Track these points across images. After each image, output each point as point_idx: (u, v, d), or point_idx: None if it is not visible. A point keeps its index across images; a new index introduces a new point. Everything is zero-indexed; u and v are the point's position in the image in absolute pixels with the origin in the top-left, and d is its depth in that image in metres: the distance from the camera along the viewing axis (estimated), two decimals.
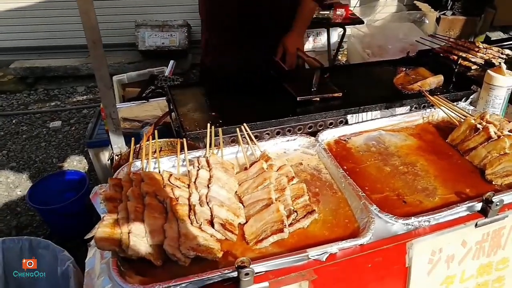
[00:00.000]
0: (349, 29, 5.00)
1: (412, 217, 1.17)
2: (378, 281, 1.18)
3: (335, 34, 5.11)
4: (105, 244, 1.05)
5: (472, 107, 1.82)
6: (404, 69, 2.14)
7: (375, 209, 1.20)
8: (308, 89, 1.91)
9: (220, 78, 2.35)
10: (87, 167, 3.78)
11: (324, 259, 1.06)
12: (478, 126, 1.51)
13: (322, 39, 5.02)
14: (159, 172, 1.37)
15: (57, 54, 5.58)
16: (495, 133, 1.46)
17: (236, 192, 1.33)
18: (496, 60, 2.14)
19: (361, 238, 1.11)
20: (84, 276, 1.13)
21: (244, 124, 1.56)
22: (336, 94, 1.90)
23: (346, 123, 1.79)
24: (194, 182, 1.29)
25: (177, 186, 1.28)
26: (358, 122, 1.75)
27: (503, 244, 1.31)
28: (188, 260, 1.06)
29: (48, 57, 5.57)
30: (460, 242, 1.23)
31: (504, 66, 1.77)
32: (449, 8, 5.63)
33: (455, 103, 1.77)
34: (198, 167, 1.36)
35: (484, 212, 1.21)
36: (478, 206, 1.22)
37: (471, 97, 1.95)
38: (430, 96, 1.77)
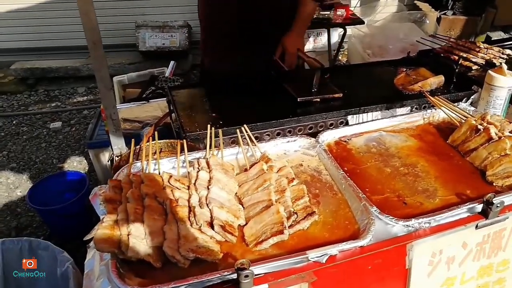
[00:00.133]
0: (350, 29, 5.00)
1: (413, 219, 1.17)
2: (378, 283, 1.17)
3: (336, 34, 5.10)
4: (104, 246, 1.04)
5: (473, 108, 1.81)
6: (405, 69, 2.14)
7: (375, 210, 1.19)
8: (309, 89, 1.90)
9: (220, 79, 2.35)
10: (87, 168, 3.78)
11: (324, 261, 1.06)
12: (479, 127, 1.51)
13: (323, 39, 5.01)
14: (159, 174, 1.37)
15: (58, 55, 5.58)
16: (496, 134, 1.46)
17: (236, 193, 1.32)
18: (497, 60, 2.13)
19: (361, 240, 1.11)
20: (83, 277, 1.13)
21: (245, 125, 1.56)
22: (336, 95, 1.90)
23: (347, 124, 1.79)
24: (194, 184, 1.29)
25: (177, 188, 1.28)
26: (358, 123, 1.75)
27: (504, 246, 1.31)
28: (188, 262, 1.06)
29: (48, 58, 5.57)
30: (461, 243, 1.22)
31: (505, 67, 1.76)
32: (449, 8, 5.62)
33: (455, 104, 1.76)
34: (198, 168, 1.36)
35: (484, 214, 1.21)
36: (479, 207, 1.22)
37: (472, 97, 1.94)
38: (430, 97, 1.77)
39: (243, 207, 1.26)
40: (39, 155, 4.01)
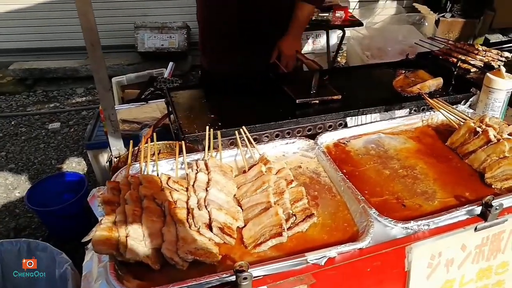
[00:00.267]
0: (349, 31, 5.00)
1: (412, 221, 1.16)
2: (377, 285, 1.17)
3: (335, 36, 5.11)
4: (103, 248, 1.04)
5: (471, 110, 1.81)
6: (404, 71, 2.15)
7: (374, 212, 1.19)
8: (308, 91, 1.90)
9: (219, 80, 2.35)
10: (86, 169, 3.77)
11: (322, 263, 1.05)
12: (478, 129, 1.51)
13: (322, 41, 5.02)
14: (158, 175, 1.36)
15: (56, 56, 5.58)
16: (495, 136, 1.46)
17: (234, 195, 1.32)
18: (496, 62, 2.14)
19: (360, 242, 1.10)
20: (81, 279, 1.12)
21: (243, 127, 1.55)
22: (335, 97, 1.90)
23: (346, 126, 1.79)
24: (193, 185, 1.28)
25: (176, 189, 1.28)
26: (357, 125, 1.75)
27: (503, 248, 1.31)
28: (186, 264, 1.05)
29: (47, 58, 5.56)
30: (460, 246, 1.22)
31: (503, 69, 1.76)
32: (448, 10, 5.63)
33: (454, 106, 1.77)
34: (197, 170, 1.36)
35: (483, 216, 1.21)
36: (478, 210, 1.22)
37: (471, 100, 1.94)
38: (429, 99, 1.77)
39: (242, 209, 1.26)
40: (37, 156, 4.00)
